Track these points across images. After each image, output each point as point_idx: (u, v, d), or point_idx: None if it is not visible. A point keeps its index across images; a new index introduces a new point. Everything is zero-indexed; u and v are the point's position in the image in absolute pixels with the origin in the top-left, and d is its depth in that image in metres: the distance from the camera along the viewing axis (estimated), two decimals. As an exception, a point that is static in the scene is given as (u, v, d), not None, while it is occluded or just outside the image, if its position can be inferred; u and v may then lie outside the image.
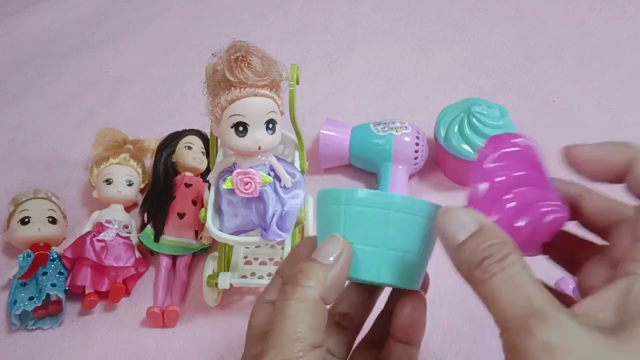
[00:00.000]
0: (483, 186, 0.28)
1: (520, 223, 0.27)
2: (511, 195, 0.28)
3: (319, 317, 0.28)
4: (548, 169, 0.29)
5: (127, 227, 0.60)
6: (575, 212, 0.29)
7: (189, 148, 0.64)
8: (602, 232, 0.28)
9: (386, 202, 0.29)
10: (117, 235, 0.59)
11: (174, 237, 0.59)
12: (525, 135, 0.29)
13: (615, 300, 0.23)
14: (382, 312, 0.36)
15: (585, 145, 0.28)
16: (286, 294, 0.28)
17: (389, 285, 0.33)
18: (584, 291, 0.28)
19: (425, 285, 0.34)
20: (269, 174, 0.47)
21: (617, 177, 0.27)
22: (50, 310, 0.55)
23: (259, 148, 0.45)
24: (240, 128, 0.44)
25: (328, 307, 0.29)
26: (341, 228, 0.30)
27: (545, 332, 0.22)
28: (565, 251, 0.31)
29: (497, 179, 0.28)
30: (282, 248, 0.59)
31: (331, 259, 0.28)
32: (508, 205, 0.27)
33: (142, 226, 0.61)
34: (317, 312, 0.27)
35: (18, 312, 0.54)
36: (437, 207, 0.30)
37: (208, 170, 0.59)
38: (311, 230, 0.61)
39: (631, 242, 0.25)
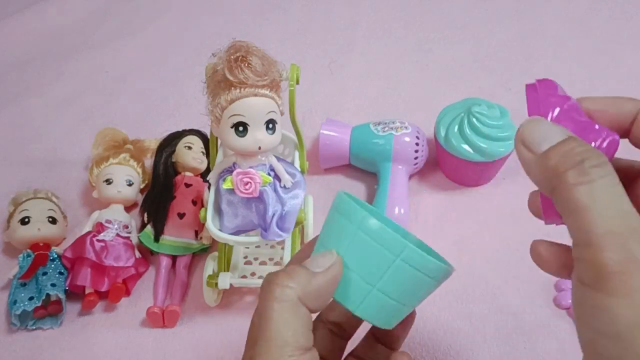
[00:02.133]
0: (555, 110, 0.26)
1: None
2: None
3: (302, 319, 0.27)
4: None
5: (127, 227, 0.60)
6: (629, 130, 0.28)
7: (189, 148, 0.64)
8: None
9: (397, 248, 0.28)
10: (117, 235, 0.59)
11: (174, 237, 0.59)
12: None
13: None
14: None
15: (599, 98, 0.28)
16: (266, 293, 0.27)
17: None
18: None
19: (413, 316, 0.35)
20: (269, 174, 0.47)
21: (623, 130, 0.27)
22: (50, 310, 0.55)
23: (259, 148, 0.45)
24: (240, 128, 0.44)
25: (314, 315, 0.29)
26: (343, 249, 0.29)
27: (633, 248, 0.20)
28: None
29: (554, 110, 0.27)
30: (282, 248, 0.59)
31: (320, 269, 0.28)
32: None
33: (142, 226, 0.61)
34: (298, 313, 0.27)
35: (18, 312, 0.54)
36: (446, 270, 0.29)
37: (208, 170, 0.60)
38: (311, 230, 0.61)
39: None
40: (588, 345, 0.21)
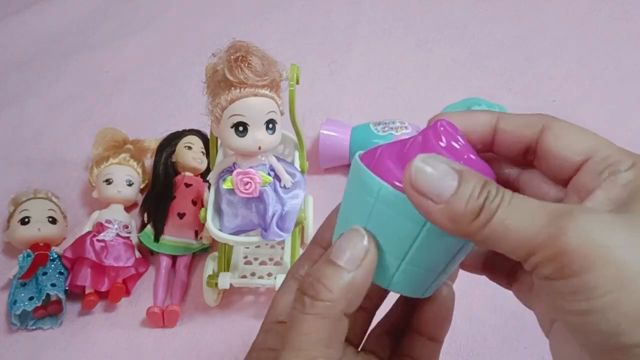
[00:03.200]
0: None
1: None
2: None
3: (339, 333, 0.25)
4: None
5: (127, 227, 0.60)
6: (495, 140, 0.28)
7: (189, 148, 0.64)
8: (523, 154, 0.27)
9: (421, 217, 0.25)
10: (117, 235, 0.59)
11: (174, 237, 0.59)
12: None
13: (606, 195, 0.23)
14: (403, 299, 0.33)
15: (452, 113, 0.28)
16: (304, 306, 0.25)
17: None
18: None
19: (453, 277, 0.32)
20: (269, 174, 0.47)
21: (484, 144, 0.28)
22: (50, 310, 0.55)
23: (259, 148, 0.45)
24: (240, 128, 0.44)
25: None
26: (364, 223, 0.26)
27: (579, 222, 0.20)
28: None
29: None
30: (282, 248, 0.59)
31: (354, 265, 0.25)
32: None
33: (142, 226, 0.61)
34: (338, 328, 0.25)
35: (18, 312, 0.54)
36: None
37: (208, 170, 0.60)
38: (311, 230, 0.61)
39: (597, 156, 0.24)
40: (579, 334, 0.21)
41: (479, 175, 0.23)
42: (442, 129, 0.26)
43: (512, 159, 0.28)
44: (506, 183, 0.29)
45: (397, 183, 0.25)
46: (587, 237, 0.20)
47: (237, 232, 0.49)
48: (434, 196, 0.23)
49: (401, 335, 0.32)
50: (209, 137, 0.53)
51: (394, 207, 0.25)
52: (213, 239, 0.58)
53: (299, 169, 0.51)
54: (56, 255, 0.58)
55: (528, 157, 0.27)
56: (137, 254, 0.60)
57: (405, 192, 0.24)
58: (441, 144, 0.25)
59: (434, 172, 0.23)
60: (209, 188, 0.57)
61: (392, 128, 0.63)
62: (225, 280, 0.53)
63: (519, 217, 0.22)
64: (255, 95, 0.44)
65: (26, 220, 0.59)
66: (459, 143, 0.26)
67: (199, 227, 0.61)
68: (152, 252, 0.60)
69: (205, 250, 0.61)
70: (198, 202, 0.62)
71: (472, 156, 0.26)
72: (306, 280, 0.26)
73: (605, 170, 0.23)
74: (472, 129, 0.27)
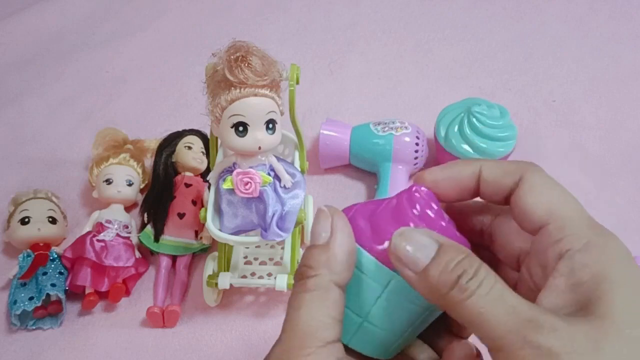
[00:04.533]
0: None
1: None
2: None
3: (333, 306, 0.25)
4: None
5: (127, 227, 0.60)
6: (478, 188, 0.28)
7: (189, 148, 0.64)
8: (506, 199, 0.27)
9: (383, 279, 0.26)
10: (117, 235, 0.59)
11: (174, 237, 0.59)
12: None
13: (566, 282, 0.23)
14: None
15: (437, 169, 0.28)
16: (296, 288, 0.26)
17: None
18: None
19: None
20: (269, 174, 0.47)
21: (470, 193, 0.28)
22: (50, 310, 0.55)
23: (259, 148, 0.45)
24: (240, 128, 0.44)
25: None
26: None
27: (545, 339, 0.21)
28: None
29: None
30: (282, 248, 0.59)
31: (326, 234, 0.26)
32: None
33: (142, 226, 0.61)
34: (330, 299, 0.25)
35: (18, 312, 0.54)
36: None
37: (208, 170, 0.60)
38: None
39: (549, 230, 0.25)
40: None
41: (460, 249, 0.24)
42: (417, 195, 0.26)
43: (498, 202, 0.28)
44: (480, 232, 0.30)
45: (366, 244, 0.26)
46: (549, 355, 0.21)
47: (237, 232, 0.49)
48: (411, 265, 0.24)
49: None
50: (209, 137, 0.53)
51: (360, 266, 0.26)
52: (213, 239, 0.58)
53: (299, 169, 0.51)
54: (56, 255, 0.58)
55: (510, 203, 0.27)
56: (137, 254, 0.60)
57: (391, 260, 0.25)
58: (415, 211, 0.26)
59: (413, 244, 0.24)
60: (209, 188, 0.57)
61: (392, 128, 0.63)
62: (225, 280, 0.53)
63: (493, 312, 0.22)
64: (255, 95, 0.44)
65: (26, 220, 0.59)
66: (433, 210, 0.26)
67: (199, 227, 0.61)
68: (152, 252, 0.60)
69: (205, 250, 0.61)
70: (198, 202, 0.62)
71: (443, 224, 0.26)
72: (297, 271, 0.27)
73: (559, 242, 0.24)
74: (456, 182, 0.28)
